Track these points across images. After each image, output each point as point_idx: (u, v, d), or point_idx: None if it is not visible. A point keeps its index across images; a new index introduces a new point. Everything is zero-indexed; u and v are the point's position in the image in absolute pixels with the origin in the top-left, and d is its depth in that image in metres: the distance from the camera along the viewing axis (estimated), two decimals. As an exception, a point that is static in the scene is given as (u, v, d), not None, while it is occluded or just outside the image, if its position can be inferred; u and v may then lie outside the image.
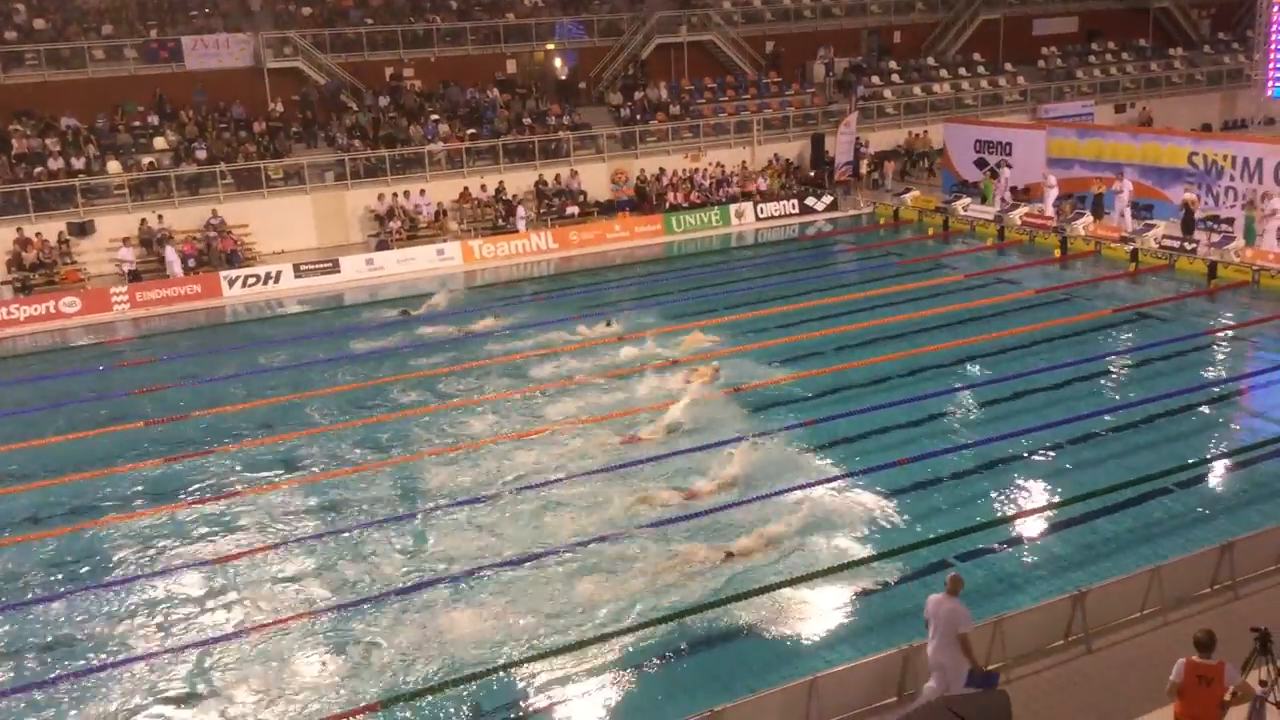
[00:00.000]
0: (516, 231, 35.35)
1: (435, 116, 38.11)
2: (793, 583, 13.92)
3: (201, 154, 34.55)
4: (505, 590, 14.23)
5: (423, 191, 36.07)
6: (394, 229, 34.76)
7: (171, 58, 36.17)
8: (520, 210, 36.01)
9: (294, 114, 37.50)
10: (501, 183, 37.02)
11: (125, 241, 32.21)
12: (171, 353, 26.36)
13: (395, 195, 35.59)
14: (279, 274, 32.07)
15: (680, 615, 13.36)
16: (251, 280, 31.77)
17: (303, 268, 32.49)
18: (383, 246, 34.17)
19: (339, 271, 32.74)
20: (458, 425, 20.12)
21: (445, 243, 34.42)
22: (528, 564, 14.81)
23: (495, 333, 25.97)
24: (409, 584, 14.51)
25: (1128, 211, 31.41)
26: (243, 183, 34.59)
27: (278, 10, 38.95)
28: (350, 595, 14.37)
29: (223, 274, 31.60)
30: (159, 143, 35.05)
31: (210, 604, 14.46)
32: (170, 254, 31.82)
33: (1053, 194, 33.80)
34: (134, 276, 31.34)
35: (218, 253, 32.63)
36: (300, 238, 35.03)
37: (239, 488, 17.92)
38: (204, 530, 16.53)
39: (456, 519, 16.34)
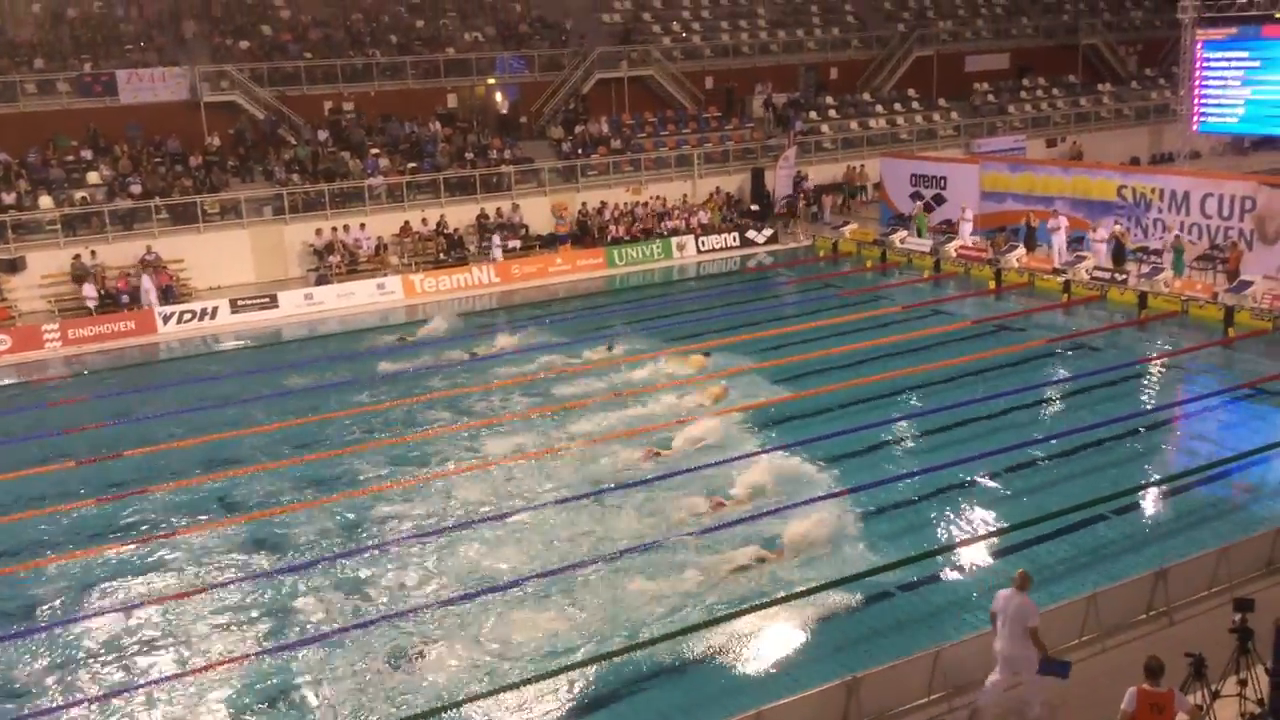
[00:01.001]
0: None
1: (375, 150, 37.96)
2: (738, 615, 13.94)
3: (136, 188, 34.05)
4: (451, 625, 14.11)
5: (363, 226, 35.83)
6: (333, 263, 34.48)
7: (105, 91, 35.72)
8: (495, 239, 36.17)
9: (231, 148, 37.14)
10: (443, 216, 36.90)
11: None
12: (104, 390, 25.86)
13: (334, 229, 35.30)
14: (215, 309, 31.63)
15: (625, 650, 13.29)
16: (187, 316, 31.29)
17: (240, 303, 32.07)
18: (322, 281, 33.87)
19: (277, 307, 32.37)
20: (415, 459, 20.03)
21: (386, 277, 34.21)
22: (473, 599, 14.69)
23: (445, 369, 25.86)
24: (351, 623, 14.29)
25: (1063, 247, 32.02)
26: (178, 217, 34.11)
27: (214, 44, 38.66)
28: (292, 636, 14.12)
29: (157, 310, 31.10)
30: (92, 177, 34.49)
31: (146, 647, 14.10)
32: (146, 283, 31.53)
33: (967, 227, 34.85)
34: (98, 310, 30.97)
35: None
36: (237, 273, 34.57)
37: (175, 527, 17.54)
38: (138, 571, 16.15)
39: (402, 553, 16.21)
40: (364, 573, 15.71)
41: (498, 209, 37.90)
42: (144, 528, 17.64)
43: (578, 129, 41.58)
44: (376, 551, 16.33)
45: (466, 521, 17.11)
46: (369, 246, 35.55)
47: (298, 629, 14.32)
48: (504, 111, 42.24)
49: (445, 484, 18.64)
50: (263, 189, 35.80)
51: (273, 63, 38.80)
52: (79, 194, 33.73)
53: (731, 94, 46.00)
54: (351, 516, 17.63)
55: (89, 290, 31.15)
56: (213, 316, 31.51)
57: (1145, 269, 29.66)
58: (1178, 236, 29.83)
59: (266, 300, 32.46)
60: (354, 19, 41.99)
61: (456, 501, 17.89)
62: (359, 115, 39.39)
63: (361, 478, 19.23)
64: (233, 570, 16.08)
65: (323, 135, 38.21)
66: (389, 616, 14.41)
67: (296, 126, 38.28)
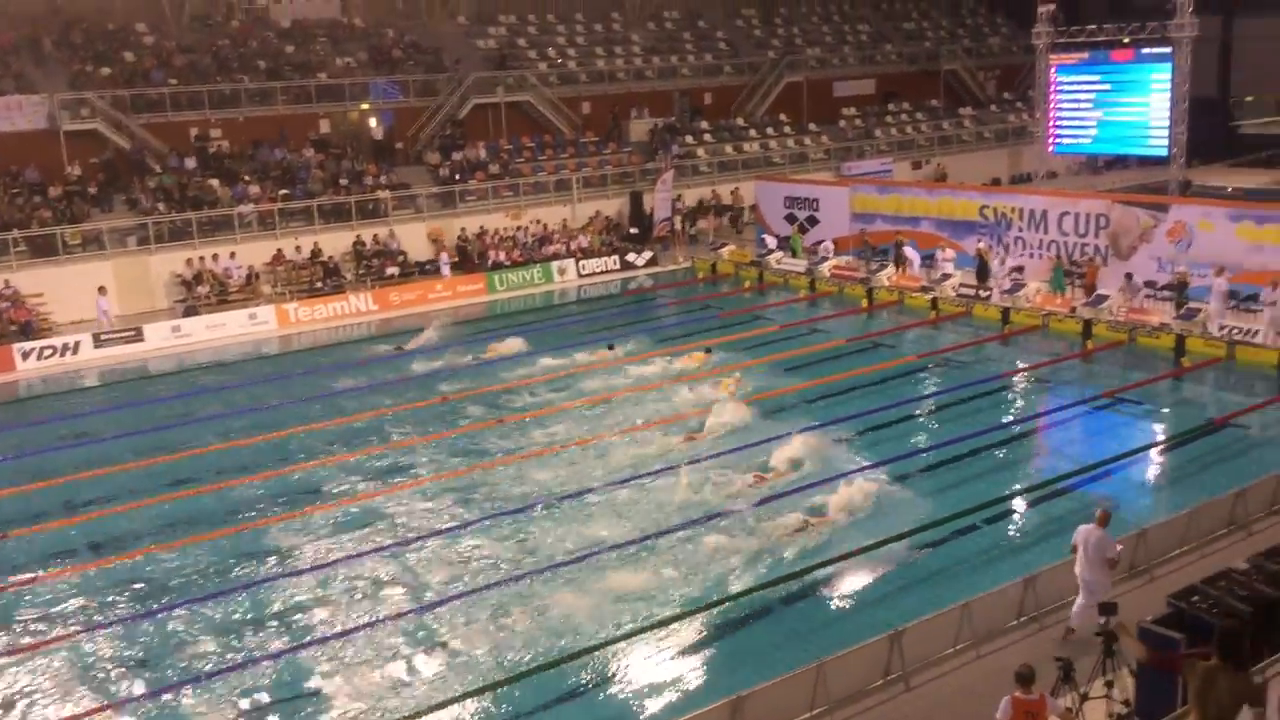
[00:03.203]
0: (440, 276, 36.37)
1: (245, 177, 37.08)
2: (627, 637, 14.00)
3: (-9, 220, 32.68)
4: (335, 659, 13.87)
5: (233, 254, 34.94)
6: (202, 294, 33.53)
7: (-42, 120, 34.30)
8: (444, 256, 36.60)
9: (93, 177, 35.87)
10: (316, 244, 36.24)
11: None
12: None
13: (203, 259, 34.36)
14: (77, 345, 30.41)
15: (518, 678, 13.22)
16: (47, 352, 30.03)
17: (103, 337, 30.91)
18: (190, 312, 32.89)
19: (143, 340, 31.29)
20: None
21: (258, 307, 33.41)
22: (363, 632, 14.44)
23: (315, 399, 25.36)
24: (227, 666, 13.91)
25: (918, 265, 33.23)
26: (37, 250, 32.80)
27: (74, 71, 37.35)
28: (163, 680, 13.67)
29: (15, 346, 29.78)
30: (-57, 209, 33.02)
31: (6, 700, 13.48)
32: (104, 304, 31.17)
33: (829, 248, 36.28)
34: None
35: (10, 324, 30.74)
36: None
37: (35, 572, 16.82)
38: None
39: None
40: (248, 609, 15.31)
41: (374, 235, 37.41)
42: (4, 573, 16.88)
43: (455, 154, 41.33)
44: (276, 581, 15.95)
45: (347, 556, 16.87)
46: (240, 276, 34.67)
47: (172, 671, 13.86)
48: (379, 137, 41.74)
49: (310, 520, 18.34)
50: (126, 218, 34.65)
51: (135, 89, 37.64)
52: (-71, 227, 32.23)
53: (616, 118, 46.35)
54: (231, 552, 17.23)
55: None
56: (75, 352, 30.29)
57: (1007, 285, 30.72)
58: (1058, 257, 31.01)
59: (131, 334, 31.36)
60: (221, 44, 41.03)
61: (327, 537, 17.67)
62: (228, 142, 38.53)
63: (240, 512, 18.78)
64: (105, 613, 15.48)
65: (190, 163, 37.19)
66: (271, 655, 14.06)
67: (161, 154, 37.19)
